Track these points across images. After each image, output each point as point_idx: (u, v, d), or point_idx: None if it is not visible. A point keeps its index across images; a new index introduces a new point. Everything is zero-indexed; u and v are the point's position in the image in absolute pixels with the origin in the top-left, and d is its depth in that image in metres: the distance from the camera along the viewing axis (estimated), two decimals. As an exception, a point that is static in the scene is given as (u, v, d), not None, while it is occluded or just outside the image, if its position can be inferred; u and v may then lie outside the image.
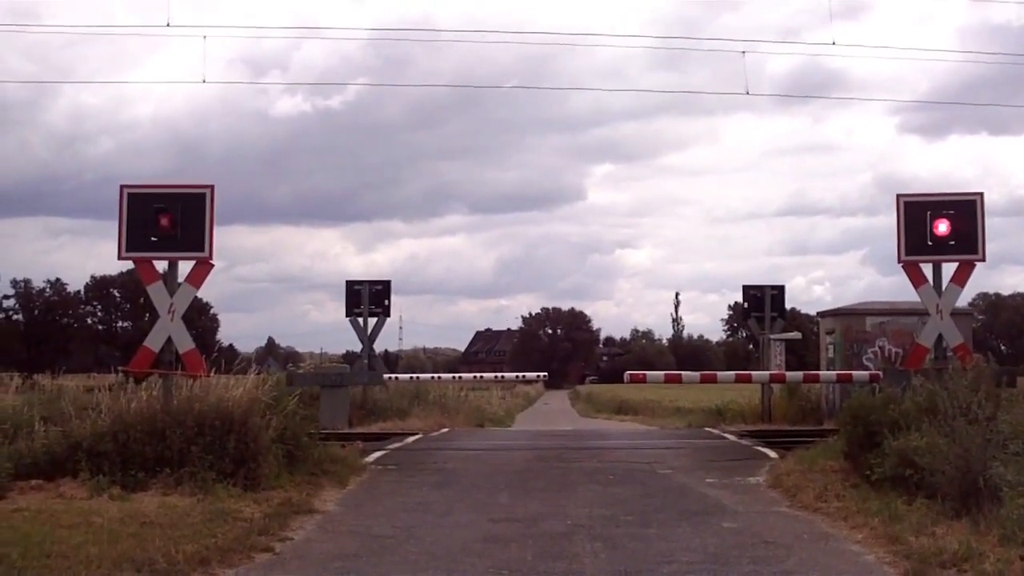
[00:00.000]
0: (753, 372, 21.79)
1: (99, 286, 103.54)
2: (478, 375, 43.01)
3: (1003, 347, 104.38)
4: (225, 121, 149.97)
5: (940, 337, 14.66)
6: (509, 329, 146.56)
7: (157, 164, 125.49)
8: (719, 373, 21.14)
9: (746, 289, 25.91)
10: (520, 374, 42.54)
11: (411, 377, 32.86)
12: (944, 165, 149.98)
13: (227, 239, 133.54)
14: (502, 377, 45.14)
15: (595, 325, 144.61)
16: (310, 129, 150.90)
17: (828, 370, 23.23)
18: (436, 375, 42.29)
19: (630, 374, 21.56)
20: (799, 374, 23.09)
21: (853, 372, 21.20)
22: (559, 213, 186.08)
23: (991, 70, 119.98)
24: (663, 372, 21.38)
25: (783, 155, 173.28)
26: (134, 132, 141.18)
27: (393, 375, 30.53)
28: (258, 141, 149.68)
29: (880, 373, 18.30)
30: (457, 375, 42.58)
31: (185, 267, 13.40)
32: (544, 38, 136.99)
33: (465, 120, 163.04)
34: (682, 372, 21.24)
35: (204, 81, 25.53)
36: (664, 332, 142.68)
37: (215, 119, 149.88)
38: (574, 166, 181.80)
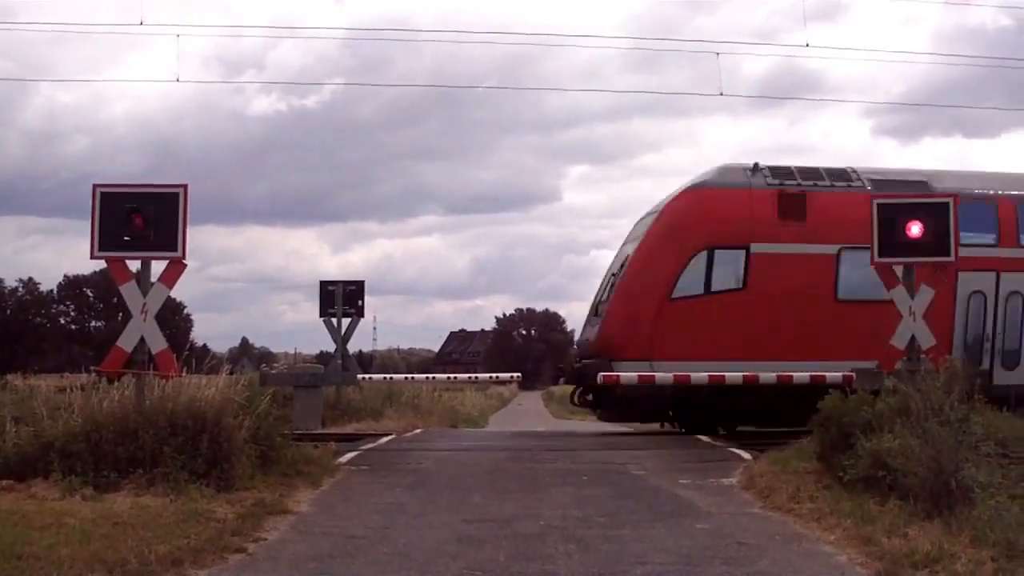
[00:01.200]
0: (727, 373, 21.79)
1: (72, 286, 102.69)
2: (452, 375, 42.91)
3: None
4: (200, 120, 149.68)
5: (913, 339, 14.74)
6: (483, 330, 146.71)
7: (133, 163, 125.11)
8: (693, 375, 21.06)
9: (721, 290, 25.83)
10: (494, 375, 42.40)
11: (385, 377, 32.80)
12: (919, 167, 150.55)
13: (201, 239, 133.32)
14: (476, 378, 45.12)
15: (569, 326, 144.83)
16: (285, 128, 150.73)
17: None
18: (410, 375, 42.21)
19: (603, 375, 21.51)
20: (772, 375, 23.08)
21: (827, 373, 21.23)
22: (535, 214, 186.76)
23: (966, 73, 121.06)
24: (636, 374, 21.27)
25: (759, 156, 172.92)
26: (110, 131, 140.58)
27: (367, 375, 30.47)
28: (233, 140, 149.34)
29: (853, 375, 18.35)
30: (431, 375, 42.51)
31: (158, 267, 13.33)
32: (521, 39, 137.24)
33: (441, 120, 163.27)
34: (656, 373, 21.16)
35: (178, 80, 25.38)
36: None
37: (190, 118, 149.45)
38: (550, 167, 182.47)
